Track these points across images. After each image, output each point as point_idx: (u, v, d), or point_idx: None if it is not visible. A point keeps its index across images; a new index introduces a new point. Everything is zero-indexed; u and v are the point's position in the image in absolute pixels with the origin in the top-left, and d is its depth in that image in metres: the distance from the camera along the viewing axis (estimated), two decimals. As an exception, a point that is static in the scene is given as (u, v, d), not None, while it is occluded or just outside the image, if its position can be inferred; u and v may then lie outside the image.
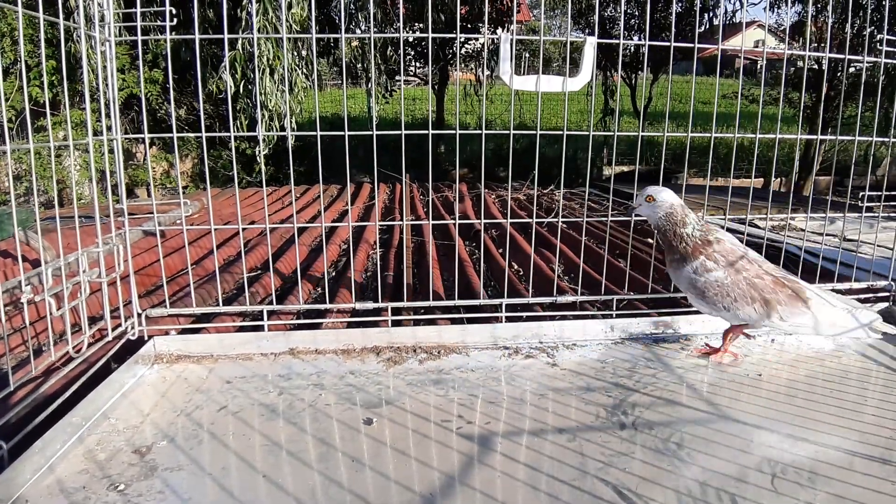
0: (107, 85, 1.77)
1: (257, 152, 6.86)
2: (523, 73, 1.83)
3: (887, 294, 2.17)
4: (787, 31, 7.55)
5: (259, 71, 6.76)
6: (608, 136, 11.71)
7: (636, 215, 1.83)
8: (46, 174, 6.92)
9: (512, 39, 1.71)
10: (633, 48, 13.22)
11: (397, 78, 11.26)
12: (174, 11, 1.76)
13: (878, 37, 1.99)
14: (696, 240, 1.69)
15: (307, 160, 8.86)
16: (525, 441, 1.36)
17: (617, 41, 1.90)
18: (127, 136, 1.86)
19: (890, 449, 1.31)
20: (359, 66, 9.41)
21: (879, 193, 2.16)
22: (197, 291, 2.44)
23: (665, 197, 1.71)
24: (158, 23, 1.80)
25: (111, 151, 1.82)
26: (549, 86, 1.77)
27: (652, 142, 12.91)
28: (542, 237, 3.75)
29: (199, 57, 1.83)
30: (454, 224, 1.81)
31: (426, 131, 1.75)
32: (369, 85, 9.06)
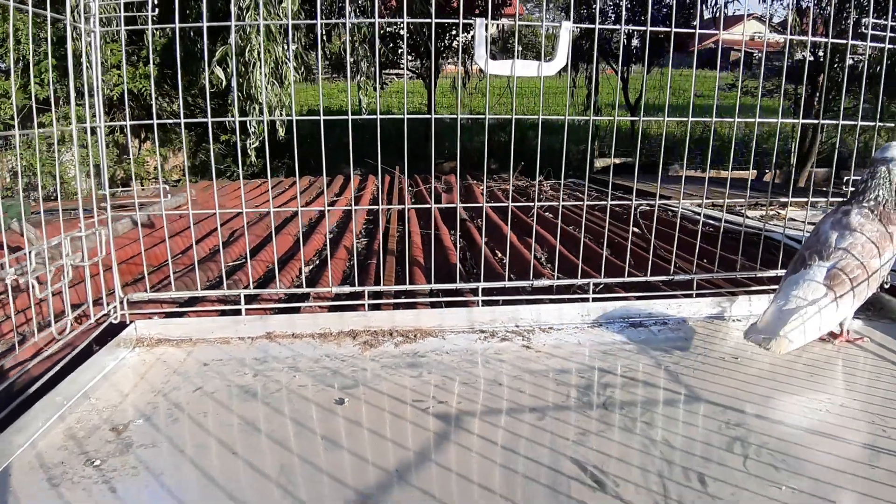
0: (90, 74, 1.80)
1: (248, 145, 6.86)
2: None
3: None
4: (788, 19, 7.54)
5: (250, 64, 6.77)
6: (599, 128, 11.83)
7: None
8: (43, 169, 6.94)
9: (487, 24, 1.73)
10: (625, 41, 13.21)
11: (386, 71, 11.28)
12: (156, 1, 1.78)
13: (865, 20, 2.00)
14: None
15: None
16: (492, 420, 1.39)
17: (597, 27, 1.92)
18: (109, 123, 1.89)
19: (871, 433, 1.30)
20: (349, 58, 9.41)
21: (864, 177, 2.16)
22: (182, 280, 2.47)
23: None
24: (145, 13, 1.82)
25: (95, 140, 1.84)
26: (524, 70, 1.79)
27: (644, 134, 12.94)
28: (529, 226, 3.78)
29: (184, 48, 1.85)
30: (432, 208, 1.83)
31: (402, 116, 1.77)
32: (358, 76, 9.05)
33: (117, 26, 1.82)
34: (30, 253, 1.57)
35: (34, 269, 1.57)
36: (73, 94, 1.77)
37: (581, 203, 2.03)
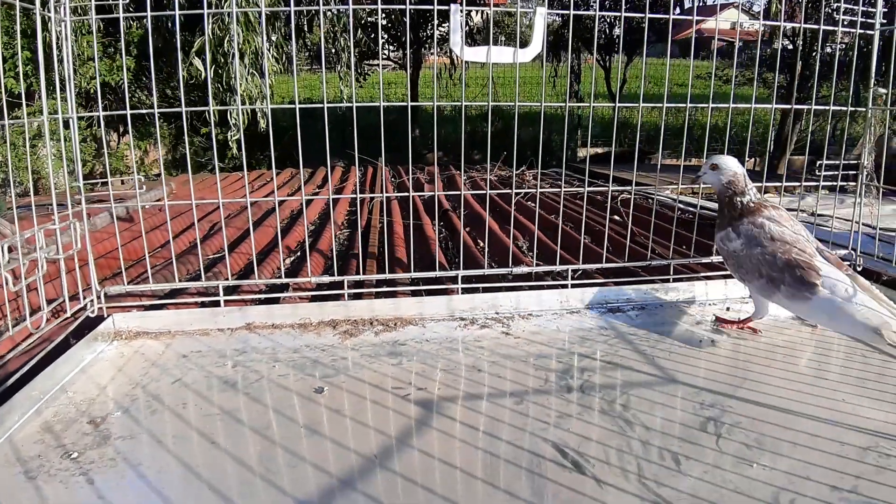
0: (61, 64, 1.78)
1: (229, 137, 6.81)
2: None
3: (848, 262, 2.20)
4: (771, 6, 7.59)
5: (229, 55, 6.71)
6: (582, 119, 11.86)
7: (703, 182, 1.83)
8: (20, 164, 6.87)
9: (462, 10, 1.73)
10: (607, 30, 13.24)
11: (368, 62, 11.25)
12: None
13: (836, 5, 2.02)
14: (740, 210, 1.71)
15: (279, 145, 8.83)
16: (472, 405, 1.39)
17: (571, 13, 1.92)
18: (81, 114, 1.88)
19: (844, 412, 1.32)
20: (330, 48, 9.37)
21: (837, 162, 2.18)
22: (161, 273, 2.45)
23: (729, 164, 1.74)
24: (117, 1, 1.80)
25: (69, 132, 1.82)
26: (499, 57, 1.80)
27: (626, 124, 12.97)
28: (510, 215, 3.79)
29: (163, 39, 1.83)
30: (410, 196, 1.83)
31: (376, 104, 1.77)
32: (339, 67, 9.00)
33: (88, 15, 1.80)
34: (2, 246, 1.55)
35: (7, 262, 1.56)
36: (43, 85, 1.75)
37: (560, 191, 2.04)
